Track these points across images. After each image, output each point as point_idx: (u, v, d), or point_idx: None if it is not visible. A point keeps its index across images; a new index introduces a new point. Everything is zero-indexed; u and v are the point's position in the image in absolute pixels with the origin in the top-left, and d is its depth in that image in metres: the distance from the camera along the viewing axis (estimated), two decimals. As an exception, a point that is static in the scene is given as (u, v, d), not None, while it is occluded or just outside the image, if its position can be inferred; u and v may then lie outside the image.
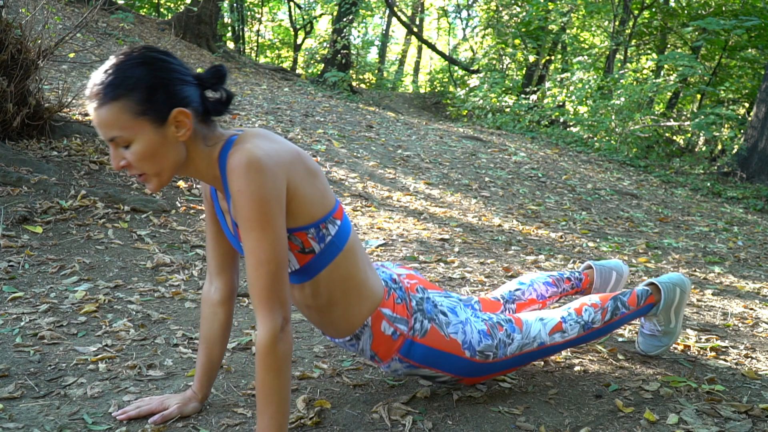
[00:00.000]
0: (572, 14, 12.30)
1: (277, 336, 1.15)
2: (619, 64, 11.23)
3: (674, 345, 1.98)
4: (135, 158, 1.16)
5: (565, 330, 1.59)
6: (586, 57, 12.60)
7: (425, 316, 1.42)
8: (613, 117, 9.02)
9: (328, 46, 13.18)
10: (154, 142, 1.15)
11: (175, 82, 1.16)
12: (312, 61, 15.82)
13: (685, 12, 12.42)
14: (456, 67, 15.77)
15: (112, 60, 1.15)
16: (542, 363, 1.78)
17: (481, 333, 1.47)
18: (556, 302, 1.95)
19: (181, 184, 3.54)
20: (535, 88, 11.72)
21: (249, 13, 16.79)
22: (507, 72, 13.99)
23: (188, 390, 1.45)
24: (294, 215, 1.22)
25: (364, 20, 17.30)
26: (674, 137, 11.00)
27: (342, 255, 1.30)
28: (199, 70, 1.27)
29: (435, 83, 18.07)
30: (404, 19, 17.39)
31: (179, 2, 16.29)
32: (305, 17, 16.34)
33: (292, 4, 15.97)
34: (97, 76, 1.13)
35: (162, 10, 16.16)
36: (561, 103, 10.74)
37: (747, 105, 12.56)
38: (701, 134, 9.41)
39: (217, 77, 1.22)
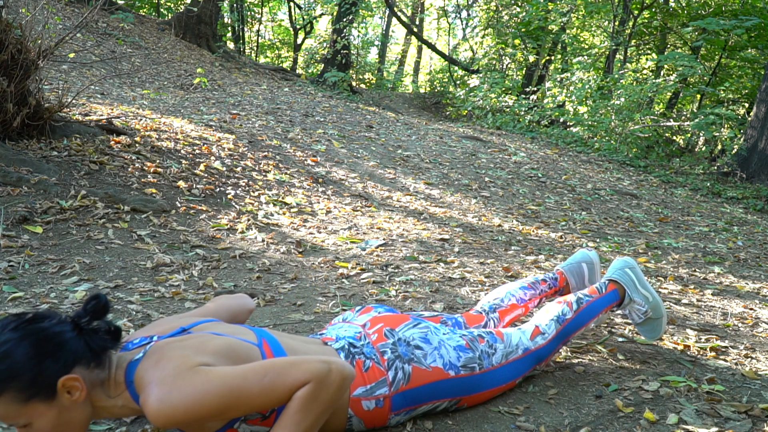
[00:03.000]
0: (572, 14, 12.30)
1: (323, 382, 1.14)
2: (619, 64, 11.23)
3: (674, 345, 1.98)
4: None
5: (543, 331, 1.64)
6: (586, 57, 12.60)
7: (404, 360, 1.41)
8: (613, 117, 9.02)
9: (328, 46, 13.19)
10: (53, 416, 1.10)
11: (54, 349, 1.09)
12: (312, 61, 15.83)
13: (685, 12, 12.42)
14: (456, 67, 15.77)
15: None
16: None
17: (458, 348, 1.48)
18: (538, 304, 1.97)
19: (181, 184, 3.54)
20: (535, 88, 11.72)
21: (249, 13, 16.79)
22: (507, 72, 13.99)
23: None
24: (236, 408, 1.13)
25: (364, 20, 17.30)
26: (674, 137, 11.00)
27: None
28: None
29: (435, 83, 18.07)
30: (404, 19, 17.40)
31: (179, 2, 16.29)
32: (305, 17, 16.34)
33: (292, 4, 15.98)
34: None
35: (162, 10, 16.16)
36: (561, 103, 10.74)
37: (747, 105, 12.56)
38: (701, 134, 9.42)
39: (95, 312, 1.16)
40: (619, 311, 1.97)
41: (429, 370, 1.42)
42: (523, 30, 12.83)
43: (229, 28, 16.32)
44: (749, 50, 11.79)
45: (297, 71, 14.91)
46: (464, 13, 18.46)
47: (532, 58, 13.20)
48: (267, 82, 10.62)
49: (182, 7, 14.60)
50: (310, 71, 15.26)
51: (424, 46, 18.78)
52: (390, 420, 1.39)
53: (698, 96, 12.66)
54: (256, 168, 4.29)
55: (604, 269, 2.99)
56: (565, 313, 1.69)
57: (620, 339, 2.04)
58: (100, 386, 1.16)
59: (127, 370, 1.17)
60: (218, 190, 3.66)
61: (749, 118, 8.42)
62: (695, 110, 12.04)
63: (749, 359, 1.92)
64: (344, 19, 12.28)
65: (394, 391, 1.37)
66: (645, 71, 13.34)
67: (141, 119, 4.72)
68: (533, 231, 3.81)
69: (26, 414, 1.08)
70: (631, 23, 11.40)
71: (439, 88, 17.08)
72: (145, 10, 15.47)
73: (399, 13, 16.37)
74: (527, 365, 1.59)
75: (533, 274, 2.81)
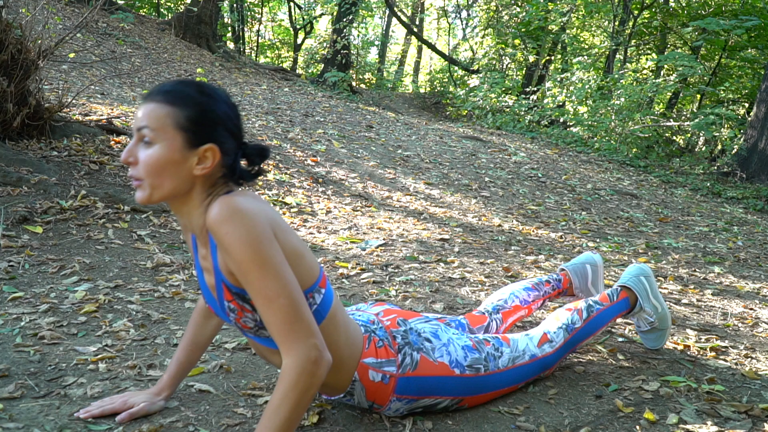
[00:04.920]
0: (572, 14, 12.30)
1: (305, 368, 1.12)
2: (619, 64, 11.23)
3: (674, 345, 1.98)
4: (146, 161, 1.14)
5: (551, 339, 1.63)
6: (586, 57, 12.59)
7: (413, 347, 1.42)
8: (613, 117, 9.02)
9: (328, 46, 13.19)
10: (173, 157, 1.14)
11: (226, 127, 1.18)
12: (312, 61, 15.83)
13: (685, 12, 12.42)
14: (456, 67, 15.77)
15: (192, 80, 1.19)
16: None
17: (466, 348, 1.49)
18: (541, 305, 1.97)
19: (181, 184, 3.54)
20: (535, 88, 11.72)
21: (249, 13, 16.79)
22: (507, 72, 14.00)
23: (153, 388, 1.45)
24: (248, 277, 1.16)
25: (364, 20, 17.29)
26: (674, 137, 11.00)
27: (325, 323, 1.28)
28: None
29: (435, 83, 18.08)
30: (404, 19, 17.40)
31: (179, 2, 16.29)
32: (305, 17, 16.35)
33: (292, 4, 15.98)
34: (169, 82, 1.17)
35: (162, 10, 16.16)
36: (561, 103, 10.74)
37: (747, 105, 12.55)
38: (701, 134, 9.42)
39: (260, 154, 1.23)
40: (626, 318, 1.96)
41: (435, 364, 1.43)
42: (523, 30, 12.83)
43: (229, 28, 16.31)
44: (749, 50, 11.79)
45: (297, 71, 14.91)
46: (464, 13, 18.47)
47: (532, 58, 13.20)
48: (267, 82, 10.62)
49: (182, 7, 14.59)
50: (310, 71, 15.26)
51: (424, 46, 18.78)
52: (390, 403, 1.39)
53: (698, 96, 12.66)
54: (256, 168, 4.29)
55: (609, 275, 2.99)
56: (574, 322, 1.68)
57: (620, 339, 2.04)
58: (209, 186, 1.19)
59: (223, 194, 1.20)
60: (218, 190, 3.66)
61: (749, 118, 8.41)
62: (695, 110, 12.03)
63: (749, 359, 1.92)
64: (344, 19, 12.28)
65: (401, 374, 1.38)
66: (645, 71, 13.34)
67: (141, 119, 4.71)
68: (533, 231, 3.81)
69: (164, 135, 1.13)
70: (631, 23, 11.40)
71: (439, 88, 17.08)
72: (145, 10, 15.47)
73: (399, 13, 16.37)
74: (533, 371, 1.59)
75: (535, 275, 2.81)
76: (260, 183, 3.99)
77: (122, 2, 13.41)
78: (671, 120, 10.23)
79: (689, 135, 10.67)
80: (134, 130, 1.15)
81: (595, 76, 10.47)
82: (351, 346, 1.34)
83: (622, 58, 11.74)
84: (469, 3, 17.48)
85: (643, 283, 1.83)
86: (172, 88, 1.15)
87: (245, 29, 16.79)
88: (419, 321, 1.56)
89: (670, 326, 1.88)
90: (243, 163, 1.23)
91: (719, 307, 2.51)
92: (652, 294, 1.83)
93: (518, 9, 13.44)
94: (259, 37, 18.46)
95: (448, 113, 13.95)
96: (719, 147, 9.70)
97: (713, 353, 1.94)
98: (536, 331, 1.66)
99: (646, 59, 14.20)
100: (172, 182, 1.15)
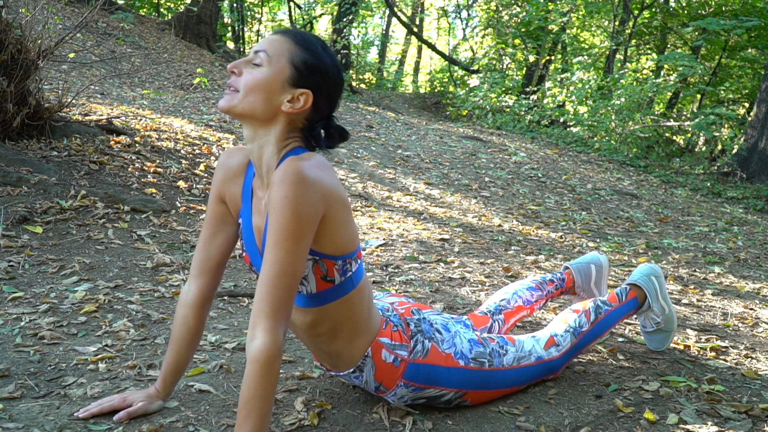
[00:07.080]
0: (572, 14, 12.29)
1: (280, 350, 1.15)
2: (619, 64, 11.22)
3: (674, 345, 1.98)
4: (249, 77, 1.20)
5: (558, 343, 1.63)
6: (586, 57, 12.59)
7: (425, 336, 1.45)
8: (613, 117, 9.01)
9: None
10: (273, 84, 1.20)
11: (327, 87, 1.24)
12: (312, 61, 15.76)
13: (685, 12, 12.41)
14: (456, 67, 15.76)
15: (321, 39, 1.28)
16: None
17: (472, 342, 1.51)
18: (543, 306, 1.96)
19: (181, 184, 3.54)
20: (535, 88, 11.71)
21: (249, 13, 16.78)
22: (507, 72, 13.98)
23: (151, 388, 1.44)
24: (330, 242, 1.24)
25: (364, 20, 17.28)
26: (674, 137, 10.99)
27: (353, 292, 1.31)
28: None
29: (435, 83, 18.05)
30: (404, 19, 17.39)
31: (179, 2, 16.28)
32: (305, 17, 16.33)
33: (292, 4, 15.97)
34: (302, 31, 1.27)
35: (162, 10, 16.16)
36: (561, 103, 10.73)
37: (747, 105, 12.55)
38: (701, 134, 9.41)
39: (340, 134, 1.30)
40: (633, 317, 1.95)
41: (443, 354, 1.45)
42: (523, 30, 12.81)
43: (229, 28, 16.31)
44: (749, 50, 11.78)
45: (297, 71, 14.85)
46: (464, 13, 18.46)
47: (532, 58, 13.19)
48: (267, 82, 10.60)
49: (182, 7, 14.59)
50: (310, 71, 15.18)
51: (424, 46, 18.77)
52: (397, 388, 1.41)
53: (698, 96, 12.65)
54: (256, 168, 4.29)
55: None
56: (581, 325, 1.67)
57: (620, 339, 2.04)
58: (289, 130, 1.24)
59: (296, 150, 1.25)
60: (218, 190, 3.66)
61: (749, 118, 8.42)
62: (695, 110, 12.03)
63: (749, 359, 1.92)
64: (344, 19, 12.28)
65: (411, 359, 1.41)
66: (645, 71, 13.33)
67: (141, 119, 4.72)
68: (533, 231, 3.81)
69: (276, 63, 1.20)
70: (631, 23, 11.39)
71: (439, 88, 17.05)
72: (145, 10, 15.46)
73: (399, 13, 16.36)
74: (538, 373, 1.59)
75: (535, 275, 2.81)
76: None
77: (122, 2, 13.41)
78: (671, 120, 10.22)
79: (689, 135, 10.66)
80: (251, 51, 1.23)
81: (595, 76, 10.47)
82: (371, 321, 1.38)
83: (622, 58, 11.74)
84: (469, 3, 17.47)
85: (653, 282, 1.82)
86: (303, 33, 1.25)
87: (245, 29, 16.78)
88: (431, 313, 1.60)
89: (675, 329, 1.87)
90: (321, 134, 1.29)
91: (719, 307, 2.51)
92: (661, 295, 1.82)
93: (518, 9, 13.42)
94: (259, 37, 18.45)
95: (448, 113, 13.94)
96: (719, 147, 9.69)
97: (713, 353, 1.94)
98: (543, 333, 1.65)
99: (646, 59, 14.19)
100: (260, 104, 1.20)
